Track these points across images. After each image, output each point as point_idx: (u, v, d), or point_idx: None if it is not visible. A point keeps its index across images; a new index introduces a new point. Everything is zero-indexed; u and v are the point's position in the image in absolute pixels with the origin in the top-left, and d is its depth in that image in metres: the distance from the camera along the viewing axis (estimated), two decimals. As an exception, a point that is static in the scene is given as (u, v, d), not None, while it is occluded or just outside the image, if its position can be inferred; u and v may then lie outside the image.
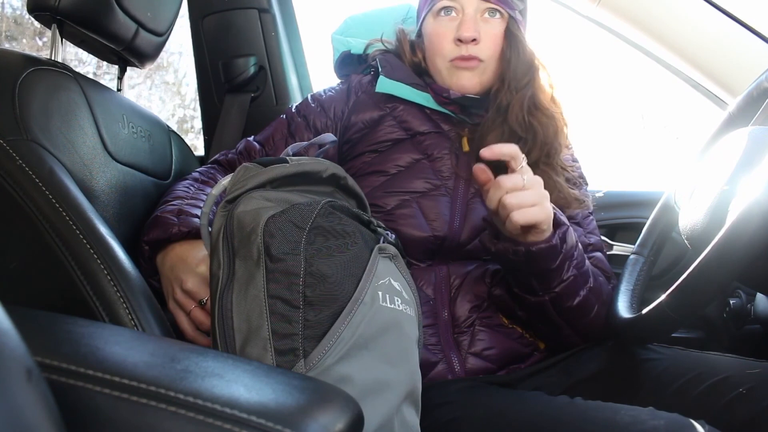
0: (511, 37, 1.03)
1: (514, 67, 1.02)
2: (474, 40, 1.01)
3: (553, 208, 0.89)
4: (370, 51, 1.17)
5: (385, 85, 1.08)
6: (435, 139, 1.05)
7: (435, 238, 0.98)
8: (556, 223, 0.89)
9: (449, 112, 1.07)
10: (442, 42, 1.04)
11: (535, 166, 1.00)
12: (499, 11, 1.02)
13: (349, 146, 1.08)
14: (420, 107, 1.08)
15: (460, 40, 1.01)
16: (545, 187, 0.93)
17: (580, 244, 0.95)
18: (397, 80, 1.07)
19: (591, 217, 1.09)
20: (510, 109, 1.01)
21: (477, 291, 0.97)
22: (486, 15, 1.02)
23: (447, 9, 1.03)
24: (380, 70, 1.09)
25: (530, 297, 0.92)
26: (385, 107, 1.09)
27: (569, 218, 1.04)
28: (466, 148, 1.05)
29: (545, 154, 1.02)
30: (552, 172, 1.02)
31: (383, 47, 1.15)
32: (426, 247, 0.99)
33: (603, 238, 1.29)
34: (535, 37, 1.10)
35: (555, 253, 0.87)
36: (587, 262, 0.95)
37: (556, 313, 0.92)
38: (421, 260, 1.00)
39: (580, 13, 1.31)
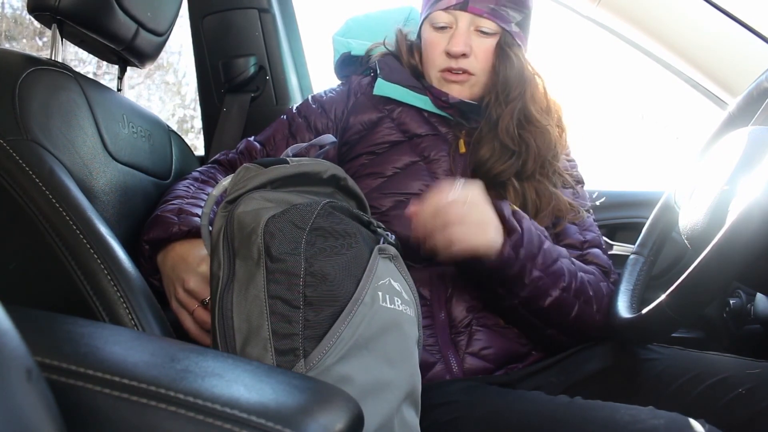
0: (501, 52, 1.03)
1: (503, 80, 1.02)
2: (464, 54, 1.02)
3: (508, 211, 0.90)
4: (372, 53, 1.17)
5: (383, 87, 1.08)
6: (432, 142, 1.06)
7: None
8: (510, 229, 0.89)
9: (447, 115, 1.08)
10: (434, 52, 1.05)
11: (531, 177, 1.02)
12: (492, 28, 1.03)
13: (348, 147, 1.09)
14: (418, 110, 1.08)
15: (449, 54, 1.02)
16: (542, 197, 0.99)
17: (547, 243, 0.94)
18: (395, 83, 1.08)
19: (587, 214, 1.09)
20: (500, 123, 1.02)
21: (472, 292, 0.98)
22: (479, 30, 1.03)
23: (442, 25, 1.04)
24: (379, 72, 1.09)
25: (501, 302, 0.94)
26: (384, 109, 1.09)
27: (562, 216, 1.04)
28: (462, 149, 1.06)
29: (540, 165, 1.03)
30: (548, 182, 1.03)
31: (385, 50, 1.16)
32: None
33: (603, 238, 1.29)
34: (534, 38, 1.10)
35: (510, 263, 0.88)
36: (562, 261, 0.94)
37: (530, 315, 0.93)
38: (417, 261, 1.00)
39: (580, 13, 1.31)
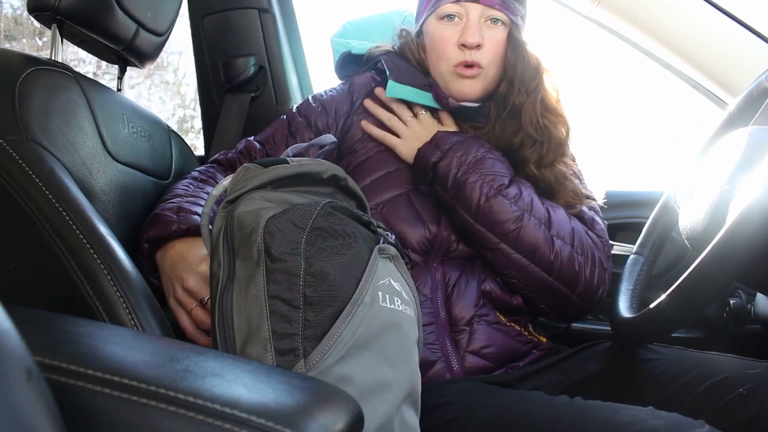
0: (514, 42, 1.03)
1: (521, 71, 1.02)
2: (478, 45, 1.01)
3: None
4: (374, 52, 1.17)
5: (395, 90, 1.06)
6: None
7: (424, 239, 0.99)
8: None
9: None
10: (446, 46, 1.04)
11: (552, 165, 1.02)
12: (502, 18, 1.03)
13: (347, 146, 1.09)
14: None
15: (464, 45, 1.02)
16: (559, 183, 1.01)
17: (518, 190, 0.97)
18: (406, 84, 1.07)
19: (591, 209, 1.09)
20: (524, 112, 1.02)
21: (472, 289, 0.98)
22: (489, 21, 1.03)
23: (451, 16, 1.03)
24: (388, 73, 1.08)
25: (485, 250, 0.97)
26: (388, 110, 1.09)
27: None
28: None
29: (561, 154, 1.03)
30: (565, 169, 1.04)
31: (388, 47, 1.15)
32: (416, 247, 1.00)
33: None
34: (534, 38, 1.10)
35: (431, 151, 0.99)
36: (540, 209, 0.97)
37: (520, 255, 0.95)
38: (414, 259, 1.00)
39: (580, 13, 1.31)
